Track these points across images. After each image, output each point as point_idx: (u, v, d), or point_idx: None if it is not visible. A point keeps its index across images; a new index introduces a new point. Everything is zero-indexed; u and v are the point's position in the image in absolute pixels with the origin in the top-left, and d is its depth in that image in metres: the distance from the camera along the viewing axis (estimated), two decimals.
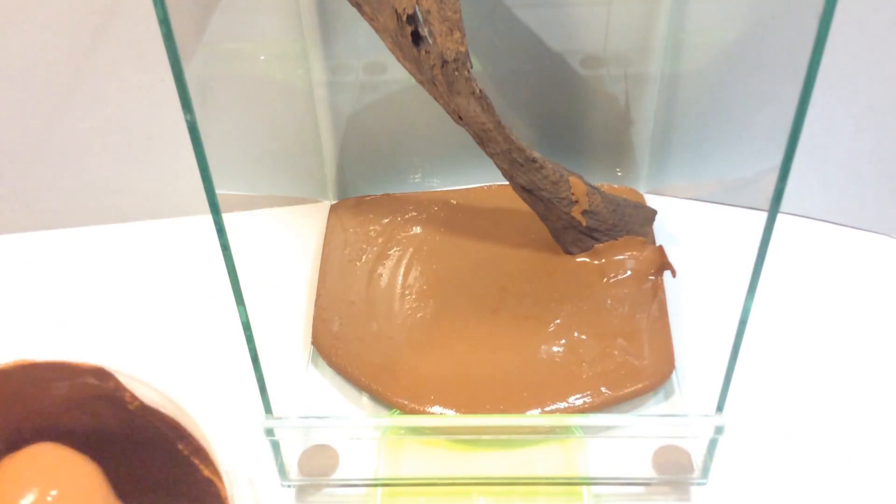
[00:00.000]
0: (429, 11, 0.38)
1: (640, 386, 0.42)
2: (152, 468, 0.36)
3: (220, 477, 0.33)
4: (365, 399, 0.44)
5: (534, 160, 0.44)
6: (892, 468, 0.41)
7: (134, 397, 0.34)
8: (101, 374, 0.34)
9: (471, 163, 0.51)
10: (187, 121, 0.29)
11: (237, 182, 0.54)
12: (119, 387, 0.34)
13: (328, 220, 0.52)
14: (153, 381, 0.35)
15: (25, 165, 0.52)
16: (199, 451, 0.34)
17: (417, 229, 0.51)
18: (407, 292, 0.47)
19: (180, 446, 0.35)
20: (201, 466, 0.35)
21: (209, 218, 0.32)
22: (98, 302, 0.51)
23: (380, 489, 0.40)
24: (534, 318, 0.45)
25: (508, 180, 0.46)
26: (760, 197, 0.52)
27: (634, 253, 0.48)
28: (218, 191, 0.32)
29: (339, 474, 0.40)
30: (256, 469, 0.41)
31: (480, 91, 0.40)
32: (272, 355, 0.39)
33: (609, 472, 0.40)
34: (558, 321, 0.45)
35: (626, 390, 0.42)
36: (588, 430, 0.40)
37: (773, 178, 0.30)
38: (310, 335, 0.46)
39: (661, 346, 0.44)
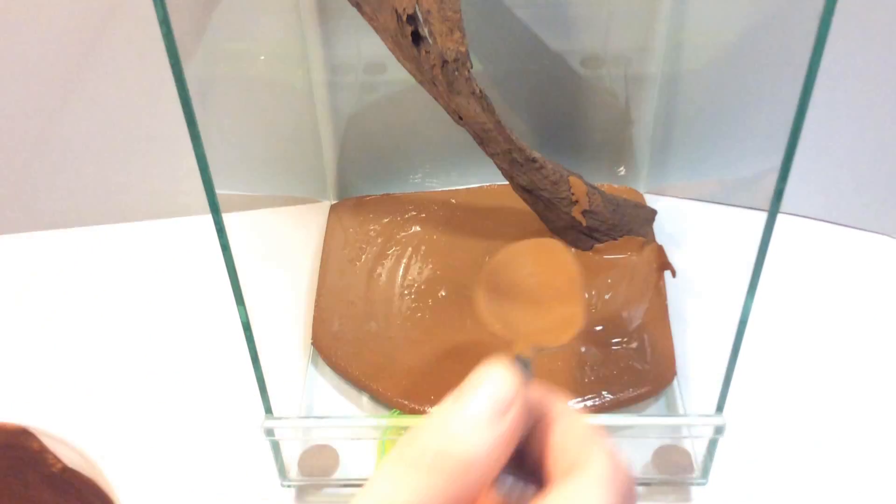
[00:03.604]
0: (429, 11, 0.38)
1: (642, 391, 0.42)
2: None
3: None
4: (365, 399, 0.44)
5: (534, 160, 0.44)
6: (892, 467, 0.41)
7: (57, 459, 0.34)
8: (25, 435, 0.34)
9: (471, 163, 0.51)
10: (187, 121, 0.29)
11: (237, 182, 0.54)
12: (43, 448, 0.34)
13: (328, 220, 0.52)
14: (76, 442, 0.34)
15: (25, 165, 0.52)
16: None
17: (417, 229, 0.51)
18: (406, 292, 0.47)
19: None
20: None
21: (209, 218, 0.32)
22: (98, 301, 0.51)
23: None
24: None
25: (508, 180, 0.46)
26: (760, 197, 0.52)
27: (634, 253, 0.48)
28: (218, 191, 0.32)
29: (339, 474, 0.40)
30: (256, 469, 0.41)
31: (480, 91, 0.40)
32: (272, 355, 0.39)
33: None
34: None
35: (628, 395, 0.42)
36: None
37: (773, 178, 0.30)
38: (310, 335, 0.46)
39: (663, 349, 0.44)
